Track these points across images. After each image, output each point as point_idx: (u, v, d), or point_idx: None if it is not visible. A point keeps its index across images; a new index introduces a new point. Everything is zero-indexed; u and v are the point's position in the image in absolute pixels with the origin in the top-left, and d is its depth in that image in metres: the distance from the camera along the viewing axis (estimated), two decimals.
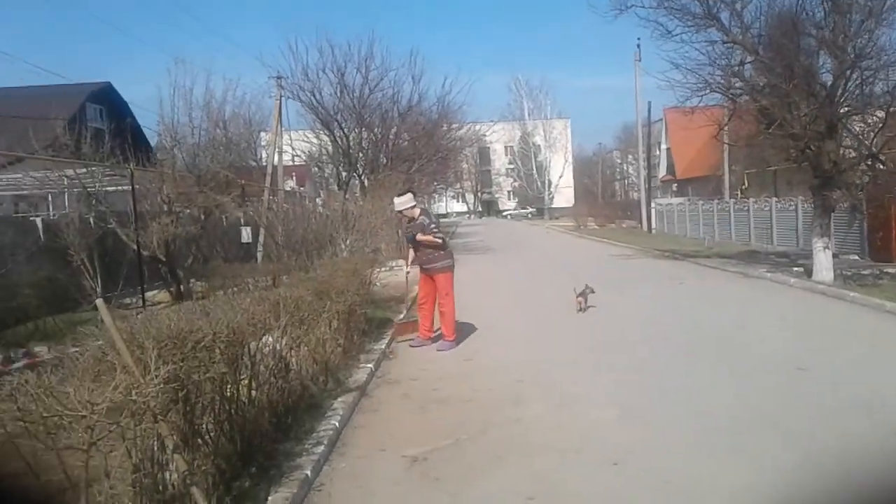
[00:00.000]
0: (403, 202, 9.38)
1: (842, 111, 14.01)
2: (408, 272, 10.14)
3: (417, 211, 9.42)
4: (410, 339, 9.41)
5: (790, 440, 5.21)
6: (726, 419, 5.77)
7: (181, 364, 3.60)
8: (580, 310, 11.49)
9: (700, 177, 45.39)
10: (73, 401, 2.88)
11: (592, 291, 11.74)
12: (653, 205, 40.76)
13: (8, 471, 5.01)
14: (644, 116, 41.18)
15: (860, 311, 11.05)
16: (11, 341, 10.18)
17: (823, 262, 14.04)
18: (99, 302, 3.42)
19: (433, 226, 9.39)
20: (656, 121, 50.96)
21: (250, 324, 4.94)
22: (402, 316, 10.24)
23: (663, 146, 59.07)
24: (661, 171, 59.64)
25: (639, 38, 35.34)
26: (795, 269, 15.94)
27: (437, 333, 9.45)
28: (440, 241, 9.29)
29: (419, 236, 9.13)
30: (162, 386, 3.26)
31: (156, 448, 3.57)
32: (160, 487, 3.58)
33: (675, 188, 56.19)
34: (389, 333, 9.70)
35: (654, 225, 38.85)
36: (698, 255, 21.67)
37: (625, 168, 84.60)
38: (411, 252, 9.54)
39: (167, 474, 3.67)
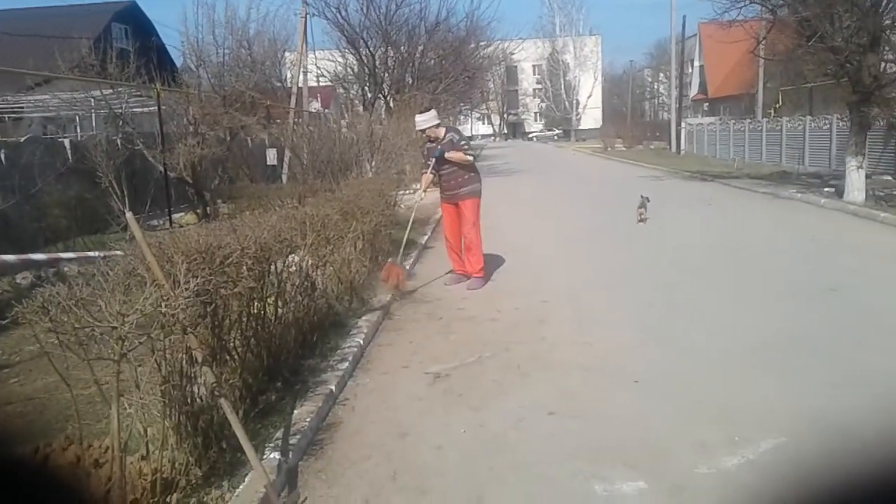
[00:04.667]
0: (426, 120, 8.34)
1: (886, 23, 13.47)
2: (421, 198, 8.87)
3: (443, 130, 8.42)
4: (397, 287, 7.86)
5: (822, 360, 5.20)
6: (755, 341, 5.74)
7: (210, 278, 3.64)
8: (640, 220, 12.28)
9: (733, 95, 44.20)
10: (105, 313, 2.94)
11: (648, 200, 12.50)
12: (683, 125, 39.92)
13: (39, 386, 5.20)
14: (678, 32, 39.87)
15: (891, 232, 10.87)
16: (42, 261, 10.38)
17: (855, 182, 13.76)
18: (129, 215, 3.45)
19: (462, 143, 8.38)
20: (690, 36, 49.31)
21: (277, 241, 4.96)
22: (424, 240, 9.34)
23: (696, 63, 57.37)
24: (693, 90, 58.10)
25: None
26: (827, 189, 15.68)
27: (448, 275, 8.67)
28: (471, 158, 8.40)
29: (448, 153, 8.13)
30: (191, 299, 3.30)
31: (184, 361, 3.65)
32: (189, 399, 3.67)
33: (706, 107, 54.89)
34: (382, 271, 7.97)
35: (683, 146, 38.13)
36: (728, 177, 21.35)
37: (656, 87, 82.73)
38: (426, 177, 8.49)
39: (195, 387, 3.77)
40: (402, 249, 8.85)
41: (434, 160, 8.21)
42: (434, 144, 8.33)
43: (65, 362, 3.18)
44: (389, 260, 8.34)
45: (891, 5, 13.32)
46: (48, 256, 8.91)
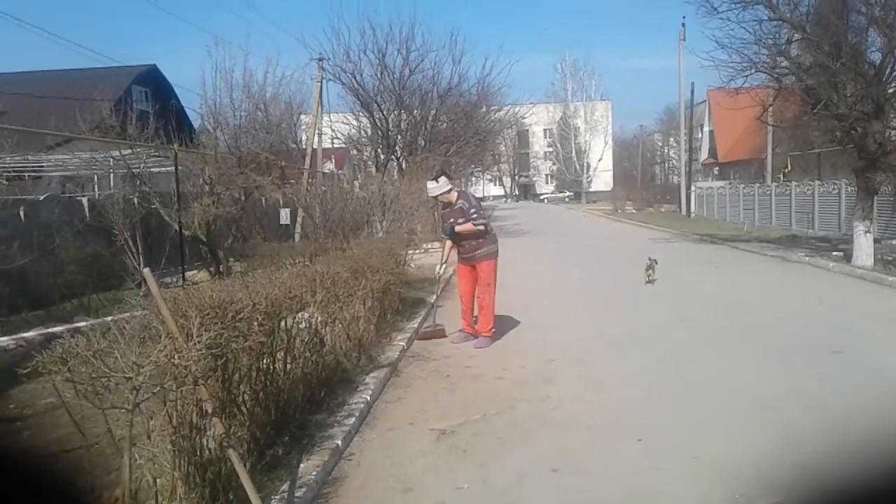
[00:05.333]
0: (438, 187, 8.40)
1: (890, 91, 13.76)
2: (441, 271, 9.10)
3: (455, 195, 8.48)
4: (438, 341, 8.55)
5: (824, 420, 5.23)
6: (759, 399, 5.79)
7: (222, 332, 3.76)
8: (648, 281, 12.47)
9: (742, 160, 44.65)
10: (120, 363, 3.06)
11: (656, 263, 12.71)
12: (693, 188, 40.24)
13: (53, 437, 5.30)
14: (687, 98, 40.60)
15: None
16: (56, 316, 10.54)
17: (864, 247, 13.84)
18: (146, 271, 3.60)
19: (473, 210, 8.36)
20: (699, 102, 50.15)
21: (287, 297, 5.09)
22: (433, 299, 9.73)
23: (706, 128, 58.19)
24: (703, 154, 58.73)
25: (684, 17, 35.30)
26: (835, 253, 15.73)
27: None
28: (482, 228, 8.35)
29: (458, 227, 8.24)
30: (203, 352, 3.42)
31: (195, 413, 3.75)
32: (198, 451, 3.76)
33: (716, 171, 55.36)
34: (419, 332, 8.85)
35: (693, 209, 38.37)
36: (737, 240, 21.46)
37: (666, 151, 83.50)
38: (447, 244, 8.63)
39: (204, 439, 3.85)
40: (433, 311, 9.54)
41: (447, 235, 8.44)
42: (448, 210, 8.49)
43: (79, 413, 3.29)
44: (426, 326, 8.96)
45: (894, 74, 13.61)
46: (66, 327, 9.05)
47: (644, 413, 5.59)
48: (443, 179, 8.53)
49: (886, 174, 14.50)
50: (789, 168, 34.52)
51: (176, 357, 3.29)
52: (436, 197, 8.65)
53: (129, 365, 3.06)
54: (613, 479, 4.33)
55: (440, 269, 9.08)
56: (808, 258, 15.65)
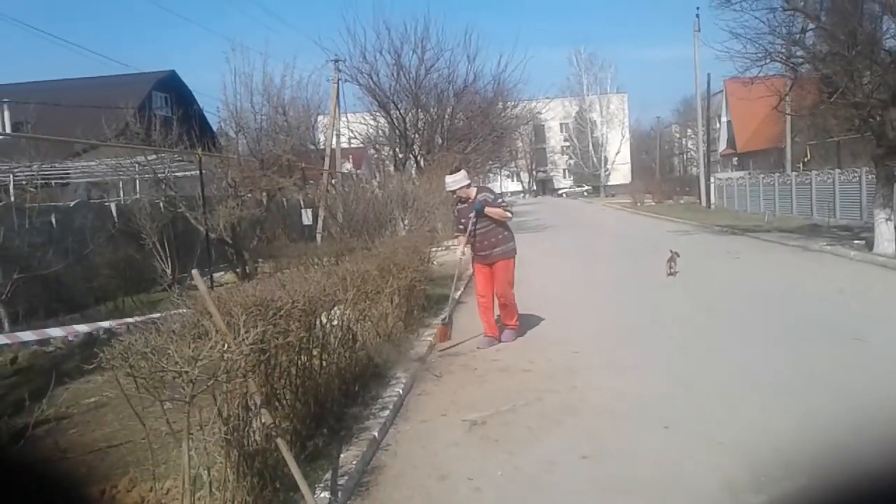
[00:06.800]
0: (456, 181, 8.27)
1: None
2: (462, 255, 8.51)
3: (473, 190, 8.40)
4: (451, 345, 8.30)
5: (845, 406, 5.35)
6: (782, 386, 5.93)
7: (266, 329, 3.96)
8: (670, 273, 12.47)
9: (761, 150, 44.39)
10: (175, 358, 3.27)
11: (678, 255, 12.70)
12: (712, 179, 40.10)
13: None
14: (703, 89, 40.43)
15: None
16: (92, 319, 10.84)
17: (885, 234, 13.86)
18: (194, 272, 3.81)
19: (500, 200, 8.47)
20: (716, 93, 49.86)
21: (322, 295, 5.29)
22: (457, 295, 9.60)
23: (723, 119, 57.81)
24: (722, 145, 58.39)
25: (698, 8, 35.26)
26: (857, 241, 15.74)
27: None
28: (511, 214, 8.40)
29: (487, 209, 8.10)
30: (251, 346, 3.63)
31: (242, 406, 3.96)
32: (246, 442, 3.96)
33: (735, 162, 55.03)
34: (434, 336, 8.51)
35: (713, 200, 38.24)
36: (758, 230, 21.46)
37: (684, 142, 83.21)
38: (462, 239, 8.30)
39: (251, 432, 4.06)
40: (452, 306, 9.41)
41: (473, 215, 8.11)
42: (465, 205, 8.32)
43: (123, 411, 3.50)
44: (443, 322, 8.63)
45: None
46: (114, 323, 9.30)
47: (669, 400, 5.74)
48: (462, 173, 8.47)
49: None
50: (808, 157, 34.33)
51: (226, 353, 3.50)
52: (454, 191, 8.42)
53: (185, 359, 3.26)
54: (642, 464, 4.49)
55: (460, 252, 8.57)
56: (828, 247, 15.67)
